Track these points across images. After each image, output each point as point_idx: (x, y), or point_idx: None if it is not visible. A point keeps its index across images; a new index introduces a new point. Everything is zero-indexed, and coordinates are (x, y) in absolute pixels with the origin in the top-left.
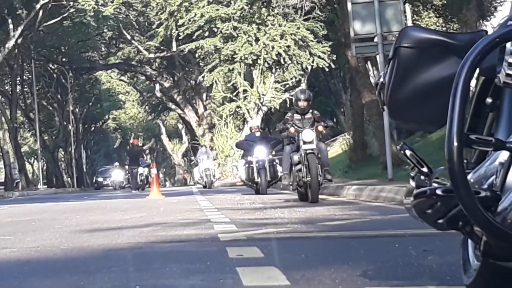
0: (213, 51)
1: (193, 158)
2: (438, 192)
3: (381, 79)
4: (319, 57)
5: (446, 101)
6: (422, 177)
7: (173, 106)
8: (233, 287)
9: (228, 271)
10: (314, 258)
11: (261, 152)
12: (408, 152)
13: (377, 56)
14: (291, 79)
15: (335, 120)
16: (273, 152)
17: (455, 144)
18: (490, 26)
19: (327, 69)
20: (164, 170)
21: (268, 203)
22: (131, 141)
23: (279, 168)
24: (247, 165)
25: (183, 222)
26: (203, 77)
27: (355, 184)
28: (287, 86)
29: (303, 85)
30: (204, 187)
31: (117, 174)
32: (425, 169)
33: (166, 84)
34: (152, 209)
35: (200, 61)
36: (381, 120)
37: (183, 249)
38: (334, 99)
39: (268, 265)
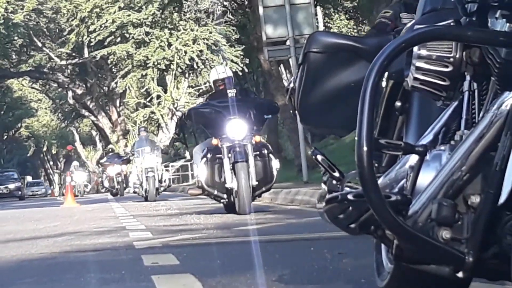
0: (126, 57)
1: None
2: (349, 197)
3: (292, 84)
4: (232, 61)
5: (356, 105)
6: (334, 182)
7: (87, 113)
8: None
9: (143, 280)
10: (230, 264)
11: (239, 130)
12: (319, 157)
13: (290, 60)
14: (205, 83)
15: None
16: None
17: (365, 149)
18: None
19: (240, 73)
20: None
21: (184, 209)
22: (40, 147)
23: (274, 163)
24: (209, 156)
25: (98, 231)
26: (116, 83)
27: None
28: (201, 90)
29: None
30: (145, 199)
31: (79, 176)
32: (336, 174)
33: (79, 91)
34: (67, 218)
35: (113, 67)
36: (295, 123)
37: (98, 258)
38: None
39: (184, 272)
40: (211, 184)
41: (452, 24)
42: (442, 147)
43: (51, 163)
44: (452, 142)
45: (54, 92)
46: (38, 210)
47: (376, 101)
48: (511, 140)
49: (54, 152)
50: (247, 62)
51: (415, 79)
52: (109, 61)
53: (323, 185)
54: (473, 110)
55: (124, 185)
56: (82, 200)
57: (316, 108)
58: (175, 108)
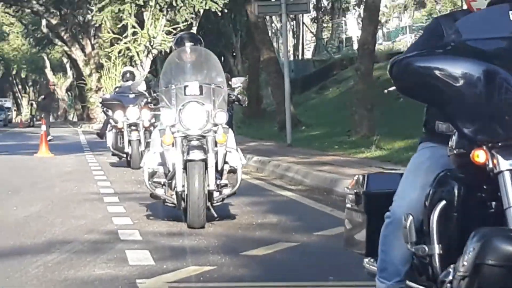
0: None
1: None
2: None
3: None
4: (212, 0)
5: None
6: None
7: (60, 43)
8: None
9: None
10: None
11: None
12: None
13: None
14: (183, 22)
15: (223, 59)
16: None
17: None
18: None
19: (219, 14)
20: None
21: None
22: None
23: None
24: None
25: (90, 241)
26: (92, 16)
27: (254, 149)
28: (178, 29)
29: (195, 29)
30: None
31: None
32: None
33: (54, 21)
34: (45, 190)
35: None
36: (280, 79)
37: None
38: (224, 40)
39: None
40: None
41: None
42: None
43: (20, 87)
44: None
45: (28, 17)
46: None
47: None
48: None
49: (23, 76)
50: (227, 1)
51: None
52: None
53: None
54: None
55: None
56: (53, 142)
57: None
58: (151, 46)
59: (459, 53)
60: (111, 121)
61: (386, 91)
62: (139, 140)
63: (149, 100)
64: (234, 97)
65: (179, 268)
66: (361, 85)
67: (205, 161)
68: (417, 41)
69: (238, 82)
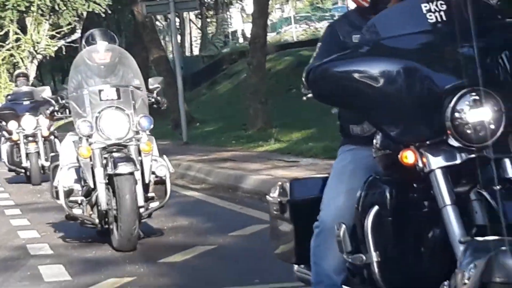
0: None
1: None
2: None
3: None
4: (94, 2)
5: None
6: None
7: None
8: None
9: None
10: None
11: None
12: None
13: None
14: (67, 25)
15: None
16: None
17: None
18: None
19: (103, 15)
20: None
21: None
22: None
23: None
24: None
25: (0, 258)
26: None
27: None
28: (62, 33)
29: (79, 31)
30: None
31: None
32: None
33: None
34: None
35: None
36: (171, 77)
37: None
38: None
39: None
40: None
41: None
42: None
43: None
44: None
45: None
46: None
47: None
48: None
49: None
50: (110, 3)
51: None
52: None
53: None
54: None
55: (45, 163)
56: None
57: None
58: (36, 51)
59: (377, 53)
60: (4, 133)
61: (304, 98)
62: (38, 153)
63: (56, 108)
64: (153, 100)
65: (98, 282)
66: (253, 79)
67: (133, 174)
68: (319, 52)
69: (155, 82)
